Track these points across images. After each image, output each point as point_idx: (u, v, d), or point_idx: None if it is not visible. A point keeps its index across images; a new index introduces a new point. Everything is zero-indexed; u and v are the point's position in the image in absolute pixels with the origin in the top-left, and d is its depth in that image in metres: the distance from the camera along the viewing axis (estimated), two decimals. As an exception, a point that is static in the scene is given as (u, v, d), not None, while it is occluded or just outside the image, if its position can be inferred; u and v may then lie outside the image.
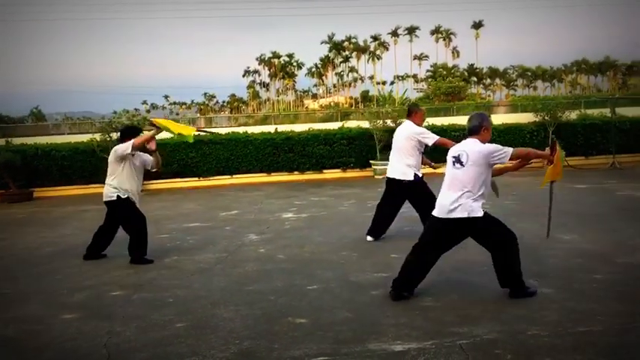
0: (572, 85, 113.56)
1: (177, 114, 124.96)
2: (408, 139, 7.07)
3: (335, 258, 6.53)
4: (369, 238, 7.34)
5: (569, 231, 7.28)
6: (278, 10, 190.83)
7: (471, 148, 4.79)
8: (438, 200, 4.93)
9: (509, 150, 4.74)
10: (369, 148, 15.04)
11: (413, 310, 4.66)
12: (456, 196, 4.74)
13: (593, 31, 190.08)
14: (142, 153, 6.83)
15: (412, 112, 7.28)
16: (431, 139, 7.03)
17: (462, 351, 3.80)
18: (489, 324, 4.25)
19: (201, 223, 9.25)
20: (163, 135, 7.22)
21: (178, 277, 6.03)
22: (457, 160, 4.82)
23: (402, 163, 7.11)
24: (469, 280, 5.42)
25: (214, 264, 6.51)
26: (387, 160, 14.96)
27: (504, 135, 15.65)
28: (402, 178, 7.09)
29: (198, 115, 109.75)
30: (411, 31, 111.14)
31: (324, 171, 15.23)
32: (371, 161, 14.93)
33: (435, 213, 4.92)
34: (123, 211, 6.70)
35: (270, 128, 16.65)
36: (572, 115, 16.40)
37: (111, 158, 6.71)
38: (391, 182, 7.26)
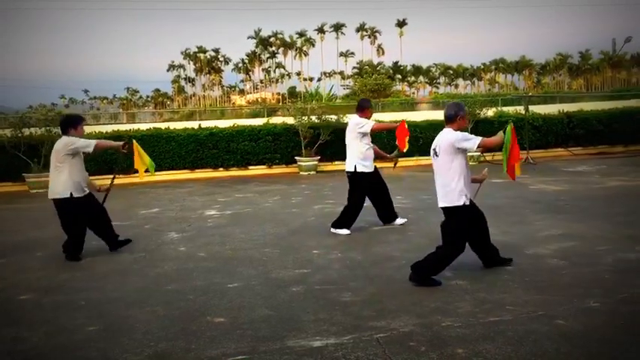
0: (491, 83, 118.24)
1: (98, 109, 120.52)
2: (350, 132, 7.38)
3: (257, 255, 6.48)
4: (341, 231, 7.33)
5: (484, 224, 7.56)
6: (203, 3, 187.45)
7: (443, 137, 5.10)
8: None
9: (477, 139, 4.99)
10: (295, 144, 15.05)
11: (332, 305, 4.69)
12: (439, 186, 5.11)
13: (511, 32, 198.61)
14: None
15: (365, 107, 7.46)
16: (367, 126, 7.29)
17: (379, 344, 3.86)
18: (406, 317, 4.34)
19: (120, 221, 8.90)
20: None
21: (92, 278, 5.80)
22: (434, 152, 5.14)
23: (349, 156, 7.37)
24: (387, 274, 5.51)
25: (131, 264, 6.31)
26: (312, 156, 15.03)
27: (426, 131, 16.05)
28: (347, 169, 7.41)
29: (121, 110, 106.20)
30: (337, 28, 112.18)
31: (250, 167, 15.11)
32: (296, 157, 14.95)
33: None
34: (75, 208, 6.46)
35: (194, 124, 16.33)
36: (490, 112, 17.06)
37: (63, 150, 6.37)
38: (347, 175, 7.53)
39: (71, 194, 6.38)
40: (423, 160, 15.85)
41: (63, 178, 6.36)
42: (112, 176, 7.33)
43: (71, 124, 6.55)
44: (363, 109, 7.41)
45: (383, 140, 14.11)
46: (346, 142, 7.46)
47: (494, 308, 4.45)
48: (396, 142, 7.68)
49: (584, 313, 4.29)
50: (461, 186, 5.03)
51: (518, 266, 5.58)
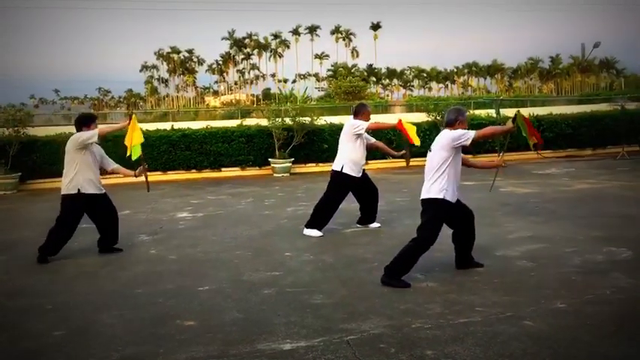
0: (464, 87, 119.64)
1: (69, 109, 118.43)
2: (345, 134, 7.39)
3: (228, 257, 6.44)
4: (313, 233, 7.33)
5: (456, 226, 7.62)
6: (176, 3, 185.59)
7: (442, 136, 5.29)
8: None
9: (471, 133, 5.14)
10: (268, 146, 15.00)
11: (304, 308, 4.68)
12: (426, 180, 5.28)
13: (483, 36, 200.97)
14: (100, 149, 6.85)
15: (361, 111, 7.41)
16: (363, 126, 7.28)
17: (349, 347, 3.86)
18: (376, 319, 4.36)
19: (89, 224, 8.69)
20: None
21: (59, 281, 5.70)
22: (431, 148, 5.34)
23: (339, 156, 7.38)
24: (359, 277, 5.53)
25: (100, 267, 6.21)
26: (286, 158, 15.00)
27: (400, 134, 16.15)
28: (333, 167, 7.42)
29: (92, 110, 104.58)
30: (312, 30, 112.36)
31: (223, 169, 15.00)
32: (270, 159, 14.90)
33: None
34: (82, 206, 6.53)
35: (167, 125, 16.14)
36: (462, 115, 17.20)
37: (72, 148, 6.48)
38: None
39: (79, 190, 6.38)
40: (395, 163, 15.95)
41: (73, 176, 6.42)
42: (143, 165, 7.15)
43: (84, 122, 6.63)
44: (358, 112, 7.42)
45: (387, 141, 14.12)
46: (339, 144, 7.47)
47: (463, 310, 4.49)
48: (409, 141, 7.53)
49: (551, 314, 4.36)
50: (444, 183, 5.18)
51: (488, 268, 5.64)
